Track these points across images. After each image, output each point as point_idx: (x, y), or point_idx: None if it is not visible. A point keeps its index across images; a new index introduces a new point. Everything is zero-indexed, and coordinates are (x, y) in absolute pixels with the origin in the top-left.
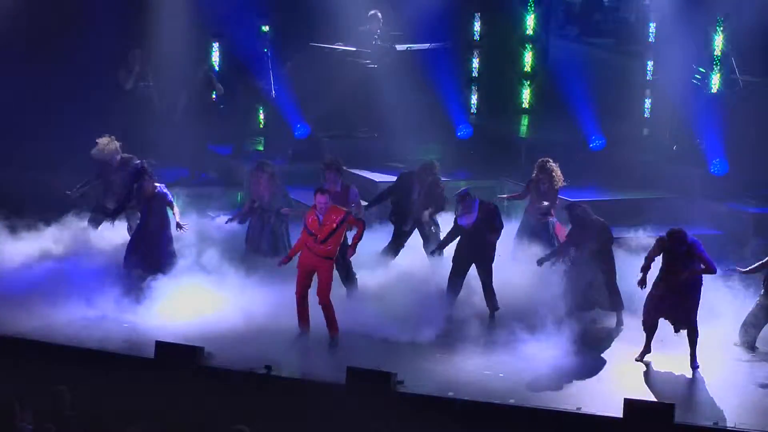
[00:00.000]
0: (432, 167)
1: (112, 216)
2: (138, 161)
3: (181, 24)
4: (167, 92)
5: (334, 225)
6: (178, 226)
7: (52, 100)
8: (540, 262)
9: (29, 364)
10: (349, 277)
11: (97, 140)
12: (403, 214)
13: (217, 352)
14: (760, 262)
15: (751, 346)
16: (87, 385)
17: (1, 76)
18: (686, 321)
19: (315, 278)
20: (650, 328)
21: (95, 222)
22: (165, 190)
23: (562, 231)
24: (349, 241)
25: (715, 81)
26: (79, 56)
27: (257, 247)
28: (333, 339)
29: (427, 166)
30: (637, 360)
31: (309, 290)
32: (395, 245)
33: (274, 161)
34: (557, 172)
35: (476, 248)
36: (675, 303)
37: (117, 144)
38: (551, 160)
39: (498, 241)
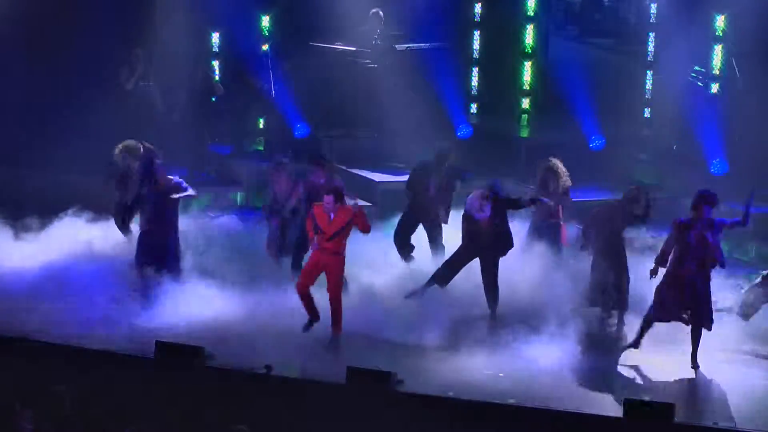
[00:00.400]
0: (447, 156)
1: (129, 211)
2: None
3: (181, 24)
4: (168, 92)
5: (343, 224)
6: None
7: (52, 100)
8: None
9: (29, 364)
10: None
11: (120, 146)
12: (420, 209)
13: (217, 352)
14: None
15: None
16: (87, 385)
17: (1, 76)
18: (706, 320)
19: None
20: (650, 326)
21: (124, 227)
22: (181, 180)
23: (567, 234)
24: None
25: (716, 63)
26: (79, 56)
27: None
28: (334, 337)
29: (442, 155)
30: (627, 347)
31: (311, 287)
32: (406, 242)
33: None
34: (561, 171)
35: (486, 242)
36: (693, 296)
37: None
38: (553, 160)
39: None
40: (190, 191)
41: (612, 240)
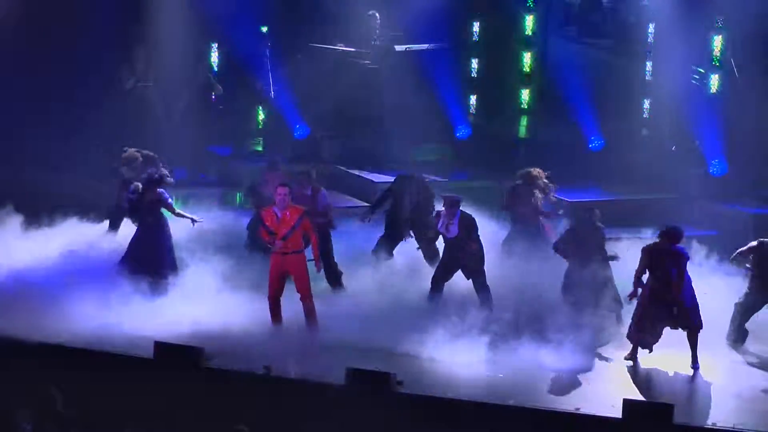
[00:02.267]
0: (425, 186)
1: (132, 216)
2: (156, 172)
3: (181, 24)
4: (167, 93)
5: (293, 223)
6: (193, 221)
7: (53, 100)
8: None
9: (29, 364)
10: (334, 275)
11: (123, 157)
12: (398, 219)
13: (216, 353)
14: (741, 249)
15: (740, 338)
16: (86, 386)
17: (1, 76)
18: (689, 323)
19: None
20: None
21: (115, 225)
22: (165, 193)
23: (552, 231)
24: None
25: (714, 81)
26: (79, 56)
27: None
28: (314, 333)
29: (420, 184)
30: (626, 359)
31: (282, 293)
32: (388, 245)
33: None
34: (537, 178)
35: (460, 257)
36: (674, 313)
37: (135, 152)
38: (535, 171)
39: (475, 250)
40: (168, 207)
41: (591, 254)
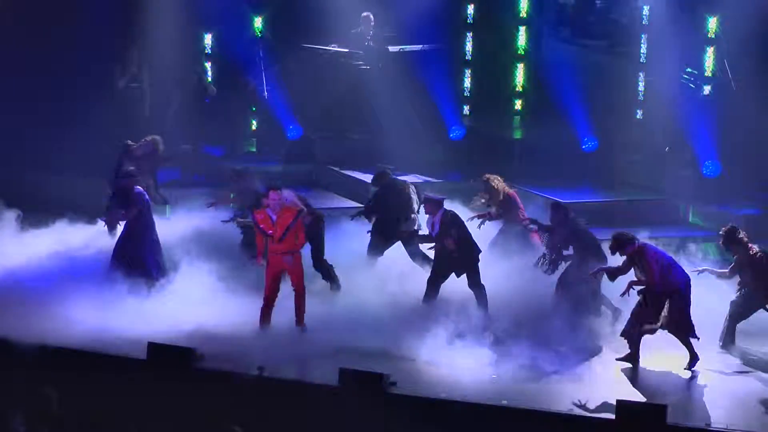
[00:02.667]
0: (404, 187)
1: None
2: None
3: (175, 25)
4: (160, 93)
5: (289, 221)
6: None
7: (51, 100)
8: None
9: (22, 365)
10: (326, 272)
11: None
12: (384, 219)
13: (209, 354)
14: (731, 266)
15: (732, 339)
16: (80, 387)
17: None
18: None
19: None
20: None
21: (111, 224)
22: (130, 190)
23: (537, 237)
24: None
25: (709, 65)
26: (76, 56)
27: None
28: (301, 328)
29: (397, 186)
30: (617, 360)
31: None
32: (379, 245)
33: (267, 163)
34: (495, 185)
35: (453, 257)
36: (659, 313)
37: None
38: (488, 176)
39: (451, 246)
40: (132, 209)
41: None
